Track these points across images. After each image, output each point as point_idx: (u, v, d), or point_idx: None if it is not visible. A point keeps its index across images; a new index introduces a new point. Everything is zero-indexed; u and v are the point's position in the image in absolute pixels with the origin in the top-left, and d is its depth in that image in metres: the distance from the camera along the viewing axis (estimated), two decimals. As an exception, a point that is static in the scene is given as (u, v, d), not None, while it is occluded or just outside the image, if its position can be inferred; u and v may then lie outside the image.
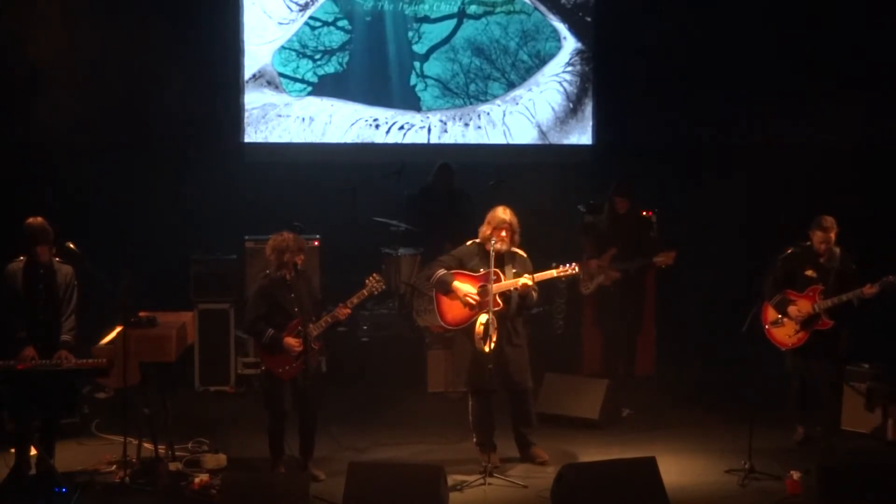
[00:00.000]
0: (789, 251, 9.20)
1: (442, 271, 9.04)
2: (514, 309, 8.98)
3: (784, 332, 9.28)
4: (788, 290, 9.26)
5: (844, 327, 9.27)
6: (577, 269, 9.00)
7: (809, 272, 9.20)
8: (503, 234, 8.86)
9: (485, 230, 9.00)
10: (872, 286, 8.93)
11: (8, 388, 8.47)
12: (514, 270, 8.94)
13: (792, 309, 9.19)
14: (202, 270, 11.24)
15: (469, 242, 9.16)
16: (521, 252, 9.10)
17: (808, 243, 9.22)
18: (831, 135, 12.14)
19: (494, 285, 8.82)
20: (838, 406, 9.50)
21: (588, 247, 10.77)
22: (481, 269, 8.97)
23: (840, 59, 12.33)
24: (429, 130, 13.41)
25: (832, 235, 9.10)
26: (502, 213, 8.96)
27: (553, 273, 8.99)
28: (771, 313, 9.31)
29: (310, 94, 13.29)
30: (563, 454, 9.20)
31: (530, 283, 8.85)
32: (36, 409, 8.58)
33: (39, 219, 8.52)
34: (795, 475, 8.45)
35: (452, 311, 9.04)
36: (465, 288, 8.96)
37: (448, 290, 8.98)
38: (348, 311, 8.76)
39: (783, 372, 9.53)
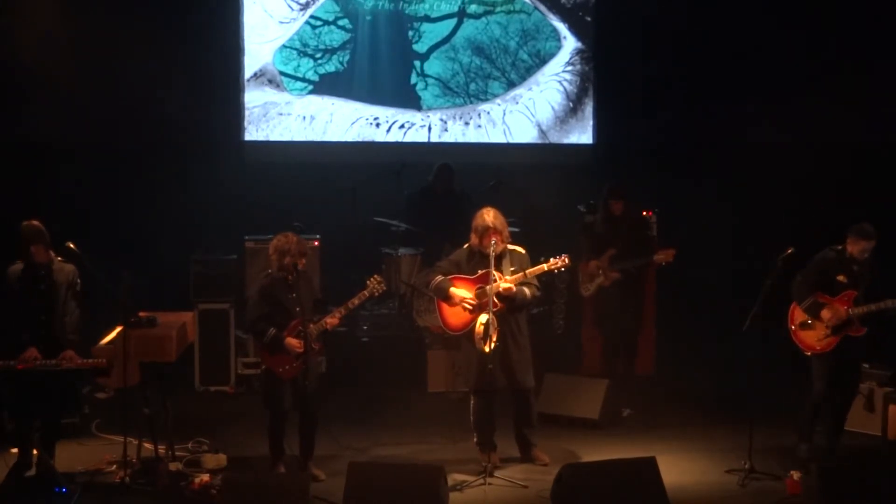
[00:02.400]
0: (790, 251, 9.12)
1: (439, 278, 9.04)
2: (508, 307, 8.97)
3: (813, 335, 8.98)
4: (820, 293, 8.97)
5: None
6: (567, 260, 8.98)
7: (841, 278, 8.91)
8: (493, 239, 8.85)
9: (474, 239, 8.99)
10: None
11: (8, 388, 8.47)
12: (512, 268, 8.94)
13: (825, 313, 8.89)
14: (202, 270, 11.24)
15: (465, 245, 9.16)
16: (518, 248, 9.10)
17: (841, 248, 8.94)
18: (831, 135, 12.14)
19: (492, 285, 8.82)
20: (848, 410, 9.33)
21: (587, 248, 10.75)
22: (479, 271, 8.97)
23: (840, 60, 12.32)
24: (429, 129, 13.41)
25: (874, 244, 8.83)
26: (485, 218, 8.93)
27: (544, 267, 8.97)
28: (799, 314, 9.04)
29: (311, 92, 13.29)
30: (563, 454, 9.21)
31: (511, 285, 8.82)
32: (36, 409, 8.58)
33: (34, 221, 8.52)
34: (795, 475, 8.46)
35: (455, 315, 9.05)
36: (462, 293, 8.97)
37: (446, 297, 8.98)
38: (336, 321, 8.75)
39: (808, 378, 9.14)
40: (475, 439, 9.18)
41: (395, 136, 13.36)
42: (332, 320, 8.72)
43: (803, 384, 9.23)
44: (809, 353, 9.05)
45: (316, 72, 13.29)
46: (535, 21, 13.41)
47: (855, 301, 8.90)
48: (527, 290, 8.93)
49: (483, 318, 8.84)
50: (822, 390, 9.04)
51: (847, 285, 8.93)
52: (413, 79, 13.39)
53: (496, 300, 8.83)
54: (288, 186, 12.70)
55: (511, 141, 13.47)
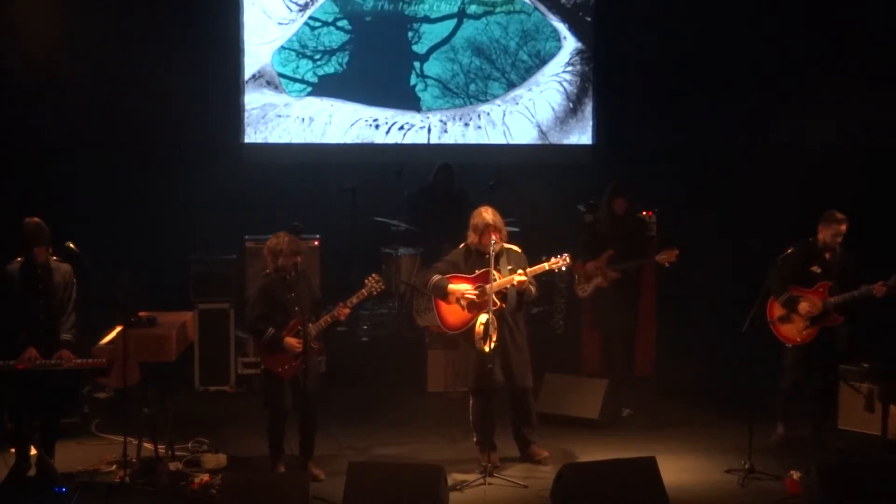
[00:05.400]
0: (790, 251, 9.19)
1: (437, 277, 9.03)
2: (514, 305, 8.97)
3: (793, 327, 9.22)
4: (794, 286, 9.21)
5: (845, 326, 9.29)
6: (567, 259, 8.99)
7: (815, 268, 9.17)
8: (493, 236, 8.85)
9: (472, 238, 8.98)
10: (885, 284, 8.93)
11: (8, 388, 8.46)
12: (509, 267, 8.93)
13: (803, 305, 9.14)
14: (202, 270, 11.24)
15: (462, 245, 9.15)
16: (514, 248, 9.10)
17: (812, 239, 9.20)
18: (831, 135, 12.14)
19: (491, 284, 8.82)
20: (831, 404, 9.51)
21: (585, 248, 10.74)
22: (476, 270, 8.97)
23: (839, 60, 12.33)
24: (429, 130, 13.41)
25: (844, 229, 9.09)
26: (484, 216, 8.91)
27: (545, 266, 8.98)
28: (777, 309, 9.25)
29: (309, 94, 13.29)
30: (563, 454, 9.21)
31: (525, 278, 8.84)
32: (36, 409, 8.57)
33: (35, 219, 8.51)
34: (795, 475, 8.44)
35: (453, 315, 9.04)
36: (461, 287, 8.96)
37: (445, 295, 8.97)
38: (348, 310, 8.76)
39: (780, 367, 9.45)
40: (475, 439, 9.18)
41: (395, 137, 13.36)
42: (345, 310, 8.70)
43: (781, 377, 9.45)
44: (791, 346, 9.26)
45: (315, 73, 13.28)
46: (535, 21, 13.42)
47: (830, 291, 9.12)
48: (532, 287, 8.96)
49: (483, 317, 8.83)
50: (795, 380, 9.34)
51: (821, 275, 9.17)
52: (413, 80, 13.39)
53: (496, 299, 8.83)
54: (288, 187, 12.72)
55: (511, 142, 13.47)
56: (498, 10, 13.37)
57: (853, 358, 9.91)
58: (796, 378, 9.36)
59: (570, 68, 13.47)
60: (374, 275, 8.96)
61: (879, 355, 10.02)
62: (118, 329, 8.76)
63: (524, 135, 13.50)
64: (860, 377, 9.84)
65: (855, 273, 9.14)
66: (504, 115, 13.46)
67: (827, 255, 9.16)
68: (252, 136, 13.23)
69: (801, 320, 9.19)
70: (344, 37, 13.31)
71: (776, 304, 9.27)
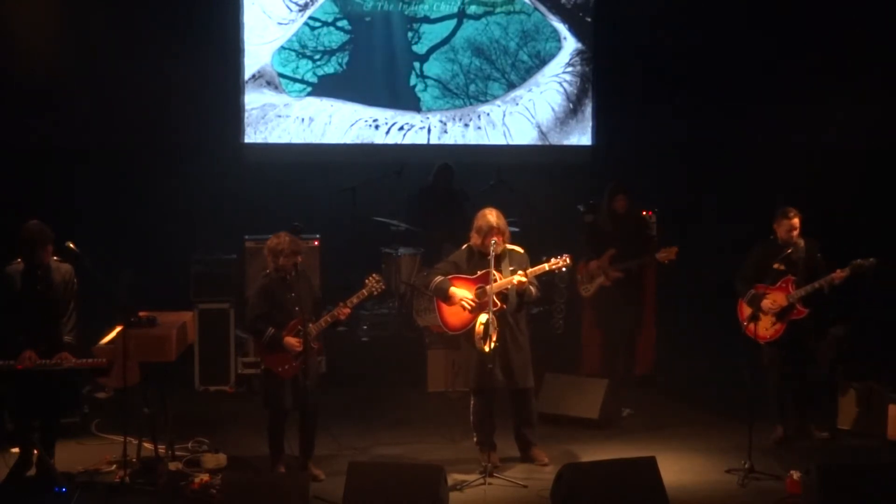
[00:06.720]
0: (789, 252, 9.23)
1: (439, 278, 9.03)
2: (514, 305, 8.98)
3: (761, 325, 9.31)
4: (759, 284, 9.34)
5: (842, 326, 9.33)
6: (568, 260, 8.99)
7: (777, 266, 9.29)
8: (495, 238, 8.85)
9: (475, 239, 8.99)
10: (843, 271, 9.09)
11: (8, 388, 8.46)
12: (511, 268, 8.94)
13: (766, 302, 9.27)
14: (202, 270, 11.25)
15: (464, 246, 9.16)
16: (517, 248, 9.10)
17: (773, 237, 9.35)
18: (830, 136, 12.14)
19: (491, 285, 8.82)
20: (828, 403, 9.56)
21: (587, 247, 10.75)
22: (478, 271, 8.97)
23: (840, 61, 12.33)
24: (428, 131, 13.40)
25: (797, 223, 9.23)
26: (489, 218, 8.91)
27: (545, 267, 8.98)
28: (746, 309, 9.35)
29: (309, 94, 13.28)
30: (563, 454, 9.21)
31: (525, 279, 8.85)
32: (36, 409, 8.57)
33: (34, 221, 8.50)
34: (795, 475, 8.44)
35: (454, 316, 9.04)
36: (462, 293, 8.96)
37: (446, 297, 8.98)
38: (348, 310, 8.76)
39: (763, 368, 9.51)
40: (475, 439, 9.18)
41: (395, 137, 13.36)
42: (345, 310, 8.71)
43: (757, 373, 9.51)
44: (763, 343, 9.36)
45: (315, 73, 13.28)
46: (535, 22, 13.41)
47: (796, 285, 9.26)
48: (532, 288, 8.96)
49: (483, 317, 8.84)
50: (779, 376, 9.43)
51: (785, 272, 9.32)
52: (412, 80, 13.39)
53: (497, 300, 8.83)
54: (288, 187, 12.72)
55: (511, 142, 13.46)
56: (498, 10, 13.37)
57: (852, 358, 9.92)
58: (779, 375, 9.44)
59: (570, 69, 13.47)
60: (374, 275, 8.96)
61: (879, 355, 10.04)
62: (118, 329, 8.76)
63: (524, 135, 13.49)
64: (860, 377, 9.84)
65: (821, 264, 9.26)
66: (504, 115, 13.45)
67: (788, 251, 9.25)
68: (252, 136, 13.23)
69: (768, 317, 9.31)
70: (344, 37, 13.31)
71: (744, 305, 9.39)
